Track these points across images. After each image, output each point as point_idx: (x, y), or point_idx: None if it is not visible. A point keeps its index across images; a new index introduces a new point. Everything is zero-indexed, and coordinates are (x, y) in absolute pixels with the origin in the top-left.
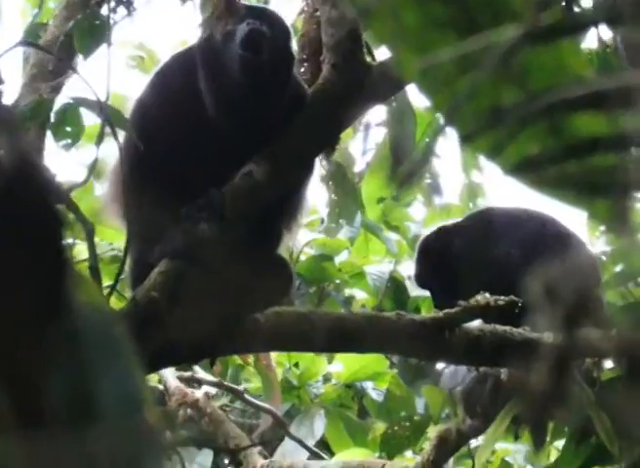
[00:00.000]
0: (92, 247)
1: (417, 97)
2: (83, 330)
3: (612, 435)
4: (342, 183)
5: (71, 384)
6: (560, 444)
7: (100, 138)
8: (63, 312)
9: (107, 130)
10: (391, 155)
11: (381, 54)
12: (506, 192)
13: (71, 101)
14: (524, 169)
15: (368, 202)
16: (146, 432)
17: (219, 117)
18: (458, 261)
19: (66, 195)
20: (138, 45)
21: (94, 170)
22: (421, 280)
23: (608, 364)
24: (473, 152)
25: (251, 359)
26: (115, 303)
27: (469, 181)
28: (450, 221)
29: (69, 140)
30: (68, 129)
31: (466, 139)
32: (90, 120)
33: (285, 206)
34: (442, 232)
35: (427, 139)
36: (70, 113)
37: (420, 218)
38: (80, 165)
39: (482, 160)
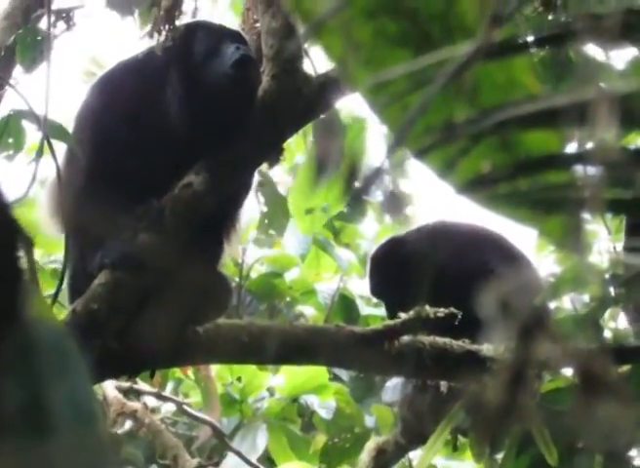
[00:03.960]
0: (31, 261)
1: (352, 105)
2: (35, 343)
3: (551, 446)
4: (272, 195)
5: (24, 398)
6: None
7: (39, 152)
8: (17, 325)
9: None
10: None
11: (324, 63)
12: (435, 201)
13: (12, 113)
14: (476, 186)
15: (296, 213)
16: (100, 445)
17: (184, 128)
18: (408, 273)
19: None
20: (91, 59)
21: (32, 184)
22: (375, 291)
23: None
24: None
25: (190, 371)
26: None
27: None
28: (402, 233)
29: (11, 151)
30: (10, 140)
31: (418, 156)
32: (33, 136)
33: (225, 216)
34: (393, 243)
35: (363, 146)
36: (12, 124)
37: (372, 235)
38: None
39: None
